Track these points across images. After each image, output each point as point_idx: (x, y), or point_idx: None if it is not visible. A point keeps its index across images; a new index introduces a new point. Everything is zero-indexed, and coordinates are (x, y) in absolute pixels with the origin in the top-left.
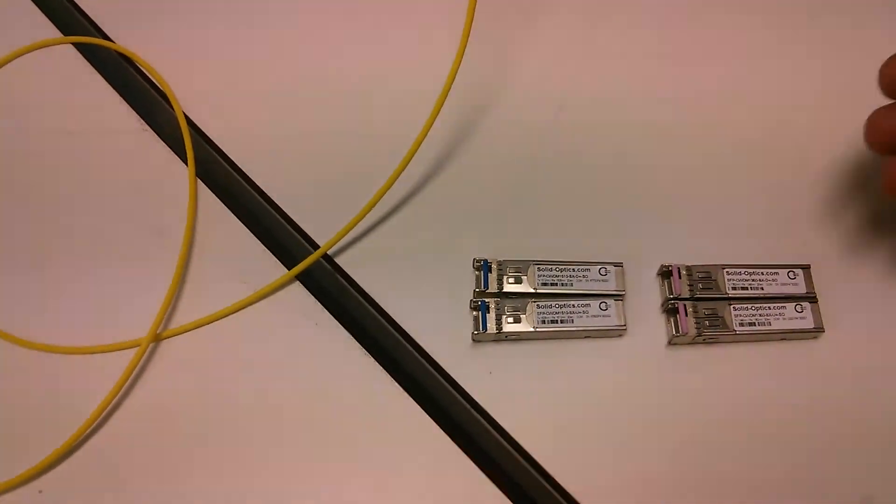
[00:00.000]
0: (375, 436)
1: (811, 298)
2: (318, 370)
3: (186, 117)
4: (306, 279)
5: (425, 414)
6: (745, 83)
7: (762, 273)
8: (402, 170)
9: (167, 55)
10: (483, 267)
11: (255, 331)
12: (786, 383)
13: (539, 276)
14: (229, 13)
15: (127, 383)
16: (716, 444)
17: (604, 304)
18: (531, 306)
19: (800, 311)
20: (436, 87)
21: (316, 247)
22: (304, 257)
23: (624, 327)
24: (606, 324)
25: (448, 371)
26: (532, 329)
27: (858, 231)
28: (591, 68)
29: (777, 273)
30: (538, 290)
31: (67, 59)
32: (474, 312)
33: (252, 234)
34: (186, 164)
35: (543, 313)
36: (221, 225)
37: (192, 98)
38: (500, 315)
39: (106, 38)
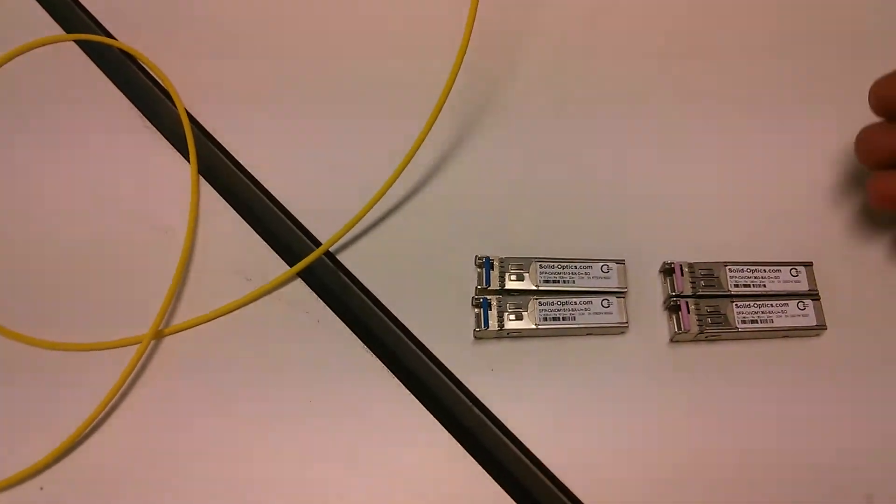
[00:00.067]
0: (377, 433)
1: (814, 296)
2: (320, 367)
3: (189, 114)
4: (308, 276)
5: (427, 411)
6: (747, 82)
7: (765, 270)
8: (405, 166)
9: (170, 52)
10: (485, 264)
11: (256, 328)
12: (788, 381)
13: (541, 273)
14: (231, 10)
15: (128, 380)
16: (717, 442)
17: (606, 301)
18: (533, 303)
19: (802, 308)
20: (438, 83)
21: (318, 244)
22: (307, 254)
23: (626, 324)
24: (608, 321)
25: (450, 368)
26: (534, 326)
27: (861, 228)
28: (593, 65)
29: (779, 270)
30: (540, 288)
31: (70, 56)
32: (476, 310)
33: (254, 231)
34: (189, 161)
35: (545, 310)
36: (223, 222)
37: (194, 95)
38: (502, 312)
39: (108, 35)
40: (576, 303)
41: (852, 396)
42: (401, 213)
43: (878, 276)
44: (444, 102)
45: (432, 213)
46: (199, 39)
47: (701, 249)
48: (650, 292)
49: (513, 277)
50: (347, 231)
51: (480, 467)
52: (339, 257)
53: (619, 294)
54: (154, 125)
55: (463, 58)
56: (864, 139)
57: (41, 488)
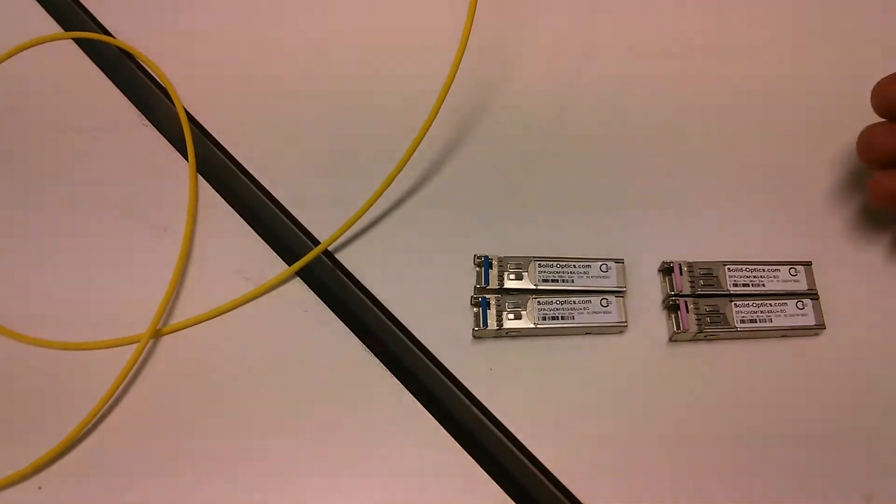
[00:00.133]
0: (376, 432)
1: (812, 295)
2: (319, 366)
3: (187, 112)
4: (307, 275)
5: (426, 410)
6: (747, 81)
7: (763, 270)
8: (404, 166)
9: (168, 50)
10: (484, 263)
11: (255, 327)
12: (787, 380)
13: (540, 272)
14: (230, 8)
15: (127, 379)
16: (717, 441)
17: (605, 300)
18: (532, 303)
19: (801, 307)
20: (437, 82)
21: (317, 243)
22: (305, 253)
23: (625, 324)
24: (607, 320)
25: (449, 367)
26: (533, 325)
27: (860, 228)
28: (593, 65)
29: (778, 270)
30: (539, 287)
31: (68, 54)
32: (475, 309)
33: (252, 230)
34: (187, 159)
35: (544, 310)
36: (222, 220)
37: (192, 93)
38: (501, 311)
39: (106, 33)
40: (574, 302)
41: (851, 396)
42: (400, 212)
43: (877, 275)
44: (443, 101)
45: (431, 211)
46: (198, 38)
47: (700, 249)
48: (649, 292)
49: (511, 276)
50: (346, 230)
51: (479, 466)
52: (338, 256)
53: (618, 293)
54: (152, 123)
55: (462, 56)
56: (866, 139)
57: (39, 487)
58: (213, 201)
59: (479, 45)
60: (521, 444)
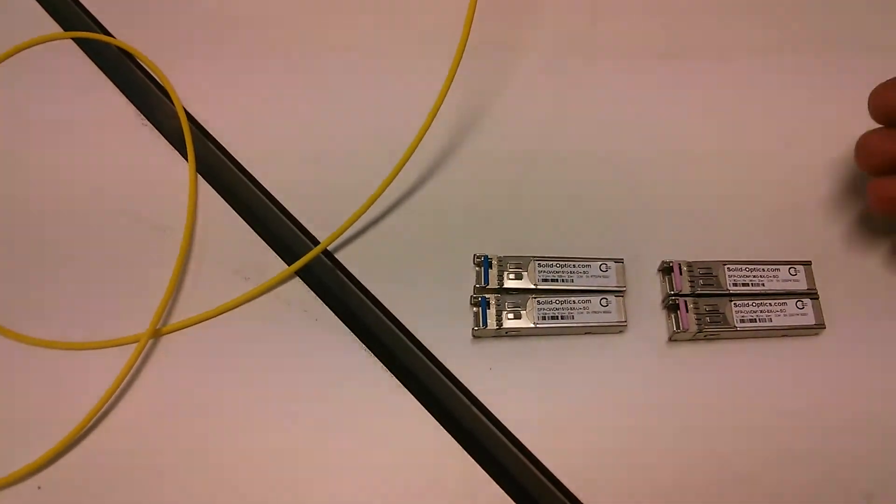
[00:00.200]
0: (375, 432)
1: (812, 295)
2: (318, 366)
3: (187, 112)
4: (306, 275)
5: (425, 410)
6: (747, 81)
7: (763, 269)
8: (403, 165)
9: (167, 50)
10: (483, 263)
11: (254, 327)
12: (787, 380)
13: (539, 271)
14: (230, 9)
15: (126, 379)
16: (716, 441)
17: (604, 300)
18: (531, 302)
19: (801, 307)
20: (437, 81)
21: (316, 242)
22: (305, 253)
23: (624, 323)
24: (607, 320)
25: (448, 367)
26: (532, 325)
27: (859, 227)
28: (592, 66)
29: (778, 269)
30: (538, 286)
31: (68, 54)
32: (475, 308)
33: (252, 230)
34: (187, 159)
35: (544, 309)
36: (221, 220)
37: (192, 93)
38: (501, 311)
39: (106, 33)
40: (574, 301)
41: (851, 395)
42: (399, 212)
43: (877, 275)
44: (443, 100)
45: (430, 211)
46: (197, 37)
47: (700, 248)
48: (649, 291)
49: (511, 276)
50: (346, 230)
51: (479, 466)
52: (338, 256)
53: (618, 293)
54: (152, 123)
55: (461, 56)
56: (864, 145)
57: (39, 487)
58: (212, 201)
59: (479, 44)
60: (521, 443)
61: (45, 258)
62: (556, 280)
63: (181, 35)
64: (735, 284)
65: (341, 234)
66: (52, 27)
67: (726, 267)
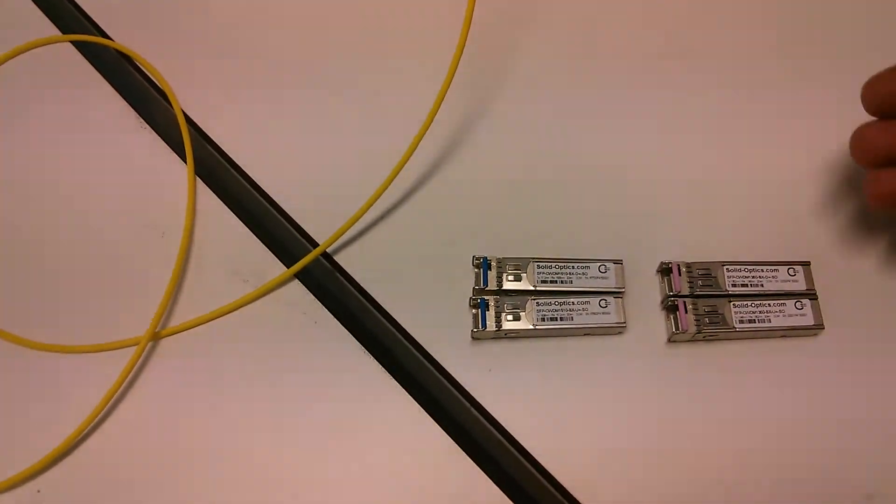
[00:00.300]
0: (374, 433)
1: (811, 295)
2: (318, 368)
3: (185, 115)
4: (305, 277)
5: (424, 412)
6: (745, 81)
7: (762, 270)
8: (402, 167)
9: (166, 53)
10: (482, 264)
11: (254, 329)
12: (786, 380)
13: (538, 273)
14: (228, 11)
15: (125, 382)
16: (715, 441)
17: (603, 301)
18: (531, 304)
19: (800, 307)
20: (435, 83)
21: (315, 245)
22: (304, 255)
23: (624, 324)
24: (606, 321)
25: (447, 369)
26: (531, 327)
27: (858, 228)
28: (592, 66)
29: (777, 270)
30: (538, 288)
31: (66, 57)
32: (474, 310)
33: (251, 233)
34: (185, 162)
35: (543, 311)
36: (220, 223)
37: (191, 96)
38: (500, 313)
39: (105, 36)
40: (573, 303)
41: (850, 396)
42: (398, 214)
43: (876, 275)
44: (441, 103)
45: (429, 213)
46: (195, 40)
47: (698, 249)
48: (648, 292)
49: (510, 278)
50: (344, 232)
51: (478, 468)
52: (337, 258)
53: (617, 294)
54: (150, 126)
55: (460, 58)
56: (859, 138)
57: (38, 491)
58: (211, 204)
59: (477, 46)
60: (521, 445)
61: (44, 261)
62: (556, 281)
63: (180, 38)
64: (734, 285)
65: (340, 236)
66: (51, 30)
67: (725, 268)
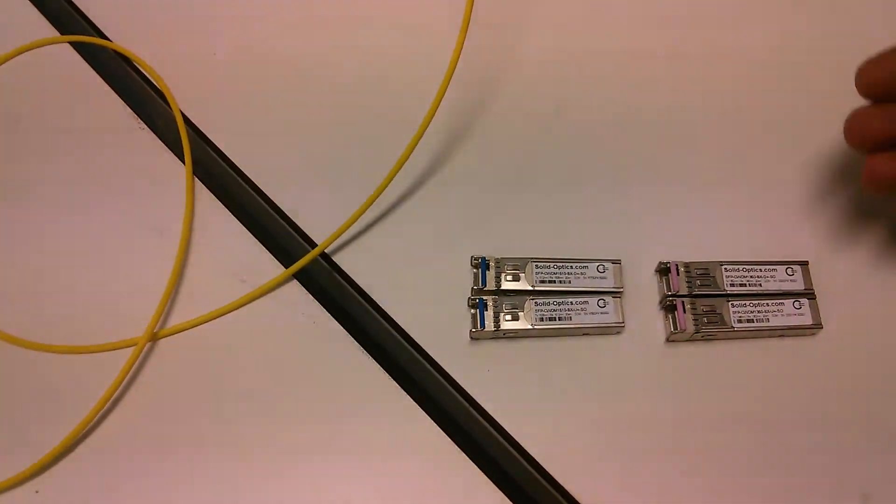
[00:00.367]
0: (374, 434)
1: (809, 295)
2: (316, 369)
3: (183, 115)
4: (304, 277)
5: (423, 412)
6: (743, 81)
7: (760, 269)
8: (400, 167)
9: (164, 54)
10: (481, 264)
11: (252, 330)
12: (784, 379)
13: (537, 273)
14: (226, 12)
15: (124, 382)
16: (714, 441)
17: (602, 301)
18: (529, 304)
19: (798, 307)
20: (433, 84)
21: (313, 245)
22: (302, 256)
23: (622, 324)
24: (604, 321)
25: (446, 369)
26: (530, 326)
27: (857, 227)
28: (590, 65)
29: (775, 269)
30: (536, 288)
31: (64, 58)
32: (472, 310)
33: (249, 233)
34: (183, 162)
35: (541, 311)
36: (218, 223)
37: (189, 96)
38: (498, 313)
39: (103, 37)
40: (572, 303)
41: (848, 395)
42: (396, 214)
43: (874, 275)
44: (440, 103)
45: (428, 213)
46: (194, 41)
47: (697, 249)
48: (646, 292)
49: (509, 278)
50: (343, 232)
51: (477, 468)
52: (335, 258)
53: (616, 294)
54: (149, 127)
55: (458, 59)
56: (853, 122)
57: (37, 491)
58: (209, 204)
59: (474, 47)
60: (520, 445)
61: (42, 261)
62: (554, 281)
63: (178, 39)
64: (732, 285)
65: (339, 236)
66: (49, 31)
67: (723, 267)
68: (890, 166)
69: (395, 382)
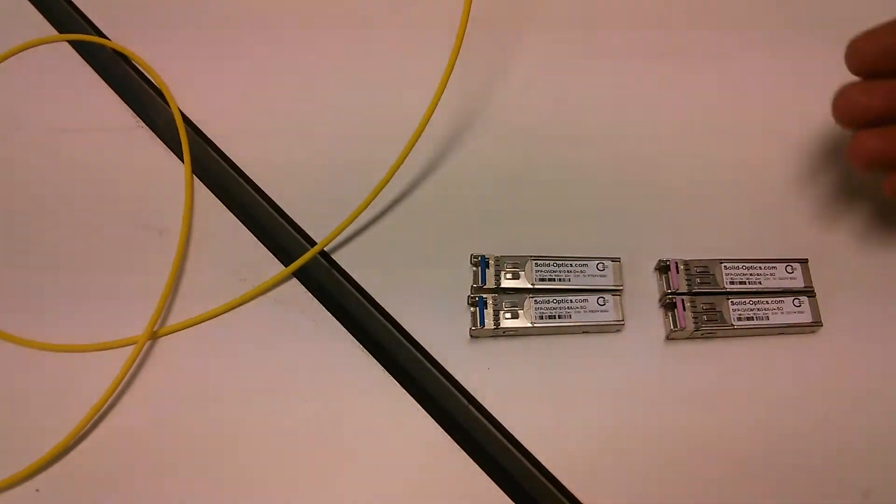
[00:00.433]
0: (373, 432)
1: (809, 293)
2: (316, 367)
3: (182, 114)
4: (303, 276)
5: (423, 410)
6: (741, 81)
7: (760, 267)
8: (400, 165)
9: (163, 52)
10: (481, 262)
11: (252, 328)
12: (784, 377)
13: (536, 271)
14: (225, 10)
15: (123, 381)
16: (714, 439)
17: (602, 299)
18: (529, 302)
19: (798, 305)
20: (433, 82)
21: (313, 243)
22: (301, 254)
23: (622, 322)
24: (604, 319)
25: (446, 367)
26: (530, 325)
27: (856, 225)
28: (588, 66)
29: (775, 267)
30: (536, 286)
31: (63, 56)
32: (472, 308)
33: (249, 231)
34: (182, 161)
35: (541, 309)
36: (218, 222)
37: (188, 95)
38: (498, 311)
39: (101, 35)
40: (572, 301)
41: (848, 393)
42: (396, 212)
43: (874, 272)
44: (439, 101)
45: (427, 211)
46: (193, 39)
47: (696, 247)
48: (646, 290)
49: (508, 276)
50: (342, 230)
51: (477, 466)
52: (335, 256)
53: (615, 292)
54: (147, 125)
55: (457, 56)
56: (841, 97)
57: (37, 490)
58: (208, 203)
59: (474, 44)
60: (519, 443)
61: (41, 260)
62: (554, 279)
63: (176, 37)
64: (732, 282)
65: (338, 234)
66: (47, 29)
67: (723, 265)
68: (876, 141)
69: (394, 380)
